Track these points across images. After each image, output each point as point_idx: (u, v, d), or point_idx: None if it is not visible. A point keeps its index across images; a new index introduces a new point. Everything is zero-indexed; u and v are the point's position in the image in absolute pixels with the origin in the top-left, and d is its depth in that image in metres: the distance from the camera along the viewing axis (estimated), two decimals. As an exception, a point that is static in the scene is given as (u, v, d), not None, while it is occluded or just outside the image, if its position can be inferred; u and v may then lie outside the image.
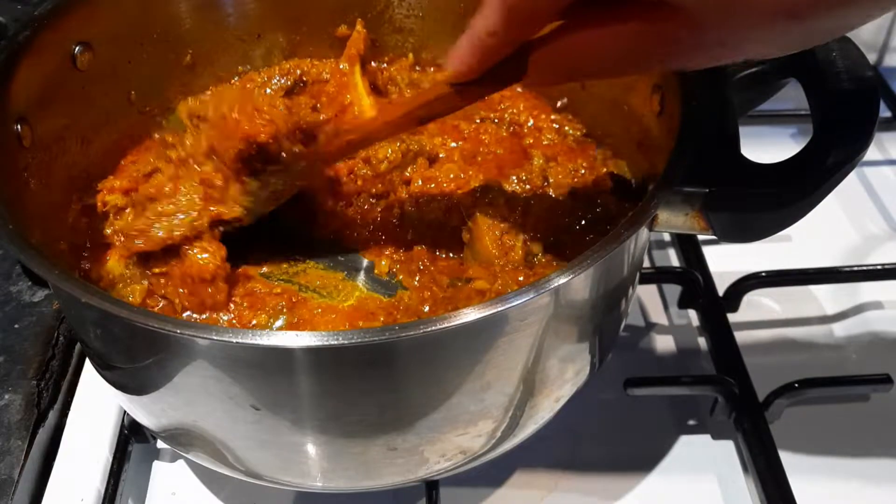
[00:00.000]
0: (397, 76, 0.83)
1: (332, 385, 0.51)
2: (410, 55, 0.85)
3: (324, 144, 0.62)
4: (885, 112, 0.99)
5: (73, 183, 0.68)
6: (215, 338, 0.46)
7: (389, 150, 0.72)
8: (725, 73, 0.62)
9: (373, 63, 0.86)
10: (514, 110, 0.81)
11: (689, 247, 0.86)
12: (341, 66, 0.81)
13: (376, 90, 0.83)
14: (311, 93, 0.82)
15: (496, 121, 0.80)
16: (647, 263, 0.87)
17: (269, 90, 0.81)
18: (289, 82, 0.82)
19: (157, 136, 0.76)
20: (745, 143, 0.58)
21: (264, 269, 0.66)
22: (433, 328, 0.46)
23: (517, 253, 0.65)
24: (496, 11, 0.45)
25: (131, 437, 0.70)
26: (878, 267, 0.82)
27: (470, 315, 0.46)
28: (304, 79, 0.83)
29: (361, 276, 0.67)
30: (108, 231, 0.67)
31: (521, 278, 0.62)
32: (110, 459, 0.68)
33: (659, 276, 0.85)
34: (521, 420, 0.58)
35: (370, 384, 0.51)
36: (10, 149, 0.60)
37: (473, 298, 0.62)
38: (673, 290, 0.84)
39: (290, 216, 0.68)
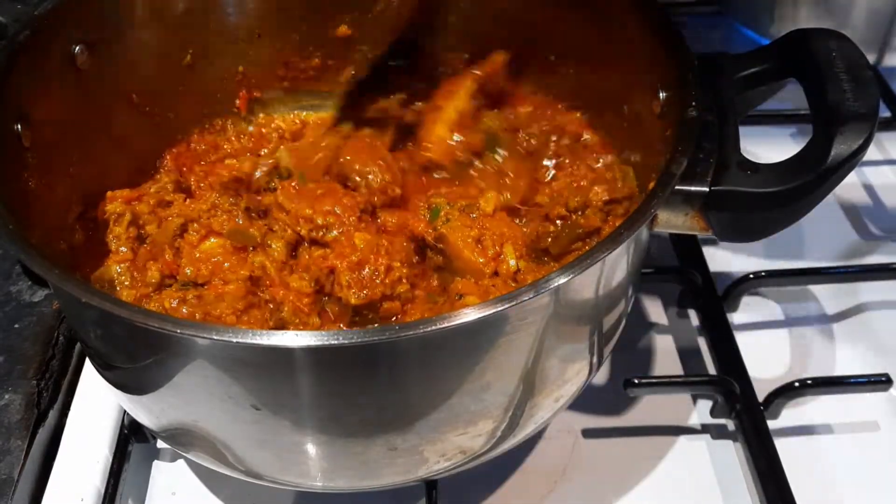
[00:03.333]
0: None
1: (332, 385, 0.51)
2: None
3: None
4: (884, 112, 0.98)
5: (74, 183, 0.68)
6: (215, 338, 0.46)
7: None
8: (725, 74, 0.62)
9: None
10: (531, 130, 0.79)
11: (688, 247, 0.86)
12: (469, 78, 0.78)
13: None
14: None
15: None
16: (646, 263, 0.87)
17: None
18: None
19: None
20: (745, 143, 0.58)
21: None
22: (433, 328, 0.46)
23: (507, 263, 0.64)
24: None
25: (131, 436, 0.70)
26: (878, 267, 0.82)
27: (470, 315, 0.46)
28: None
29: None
30: (109, 237, 0.68)
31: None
32: (110, 459, 0.68)
33: (659, 276, 0.85)
34: (521, 420, 0.58)
35: (370, 384, 0.51)
36: (11, 149, 0.60)
37: None
38: (673, 290, 0.84)
39: None
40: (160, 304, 0.63)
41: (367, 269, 0.64)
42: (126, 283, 0.65)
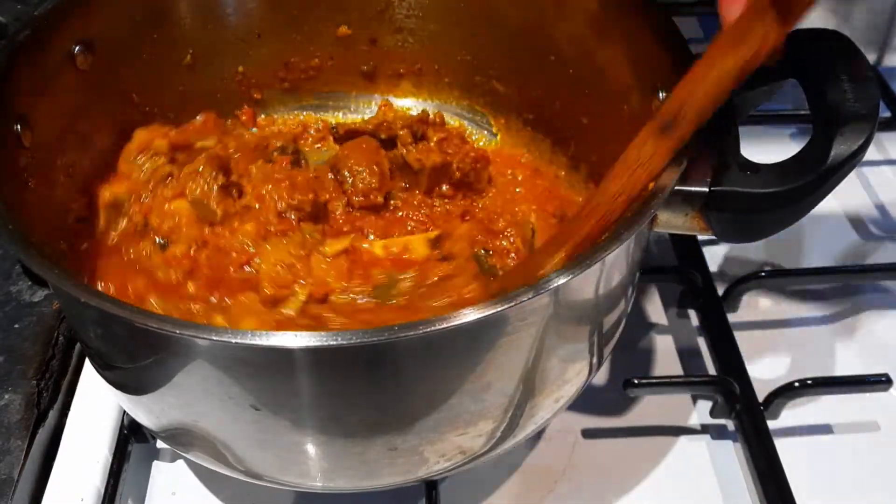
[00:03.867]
0: None
1: (332, 385, 0.51)
2: None
3: None
4: (884, 112, 0.98)
5: (74, 183, 0.68)
6: (215, 338, 0.46)
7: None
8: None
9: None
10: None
11: (688, 247, 0.86)
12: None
13: None
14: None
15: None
16: (646, 263, 0.87)
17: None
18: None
19: None
20: (745, 143, 0.58)
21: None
22: (433, 328, 0.46)
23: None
24: None
25: (131, 436, 0.70)
26: (878, 267, 0.82)
27: (470, 315, 0.46)
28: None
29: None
30: (135, 163, 0.71)
31: None
32: (110, 459, 0.68)
33: (659, 276, 0.85)
34: (521, 420, 0.58)
35: (370, 384, 0.51)
36: (10, 149, 0.60)
37: None
38: (673, 290, 0.84)
39: None
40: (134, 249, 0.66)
41: None
42: (126, 210, 0.68)
